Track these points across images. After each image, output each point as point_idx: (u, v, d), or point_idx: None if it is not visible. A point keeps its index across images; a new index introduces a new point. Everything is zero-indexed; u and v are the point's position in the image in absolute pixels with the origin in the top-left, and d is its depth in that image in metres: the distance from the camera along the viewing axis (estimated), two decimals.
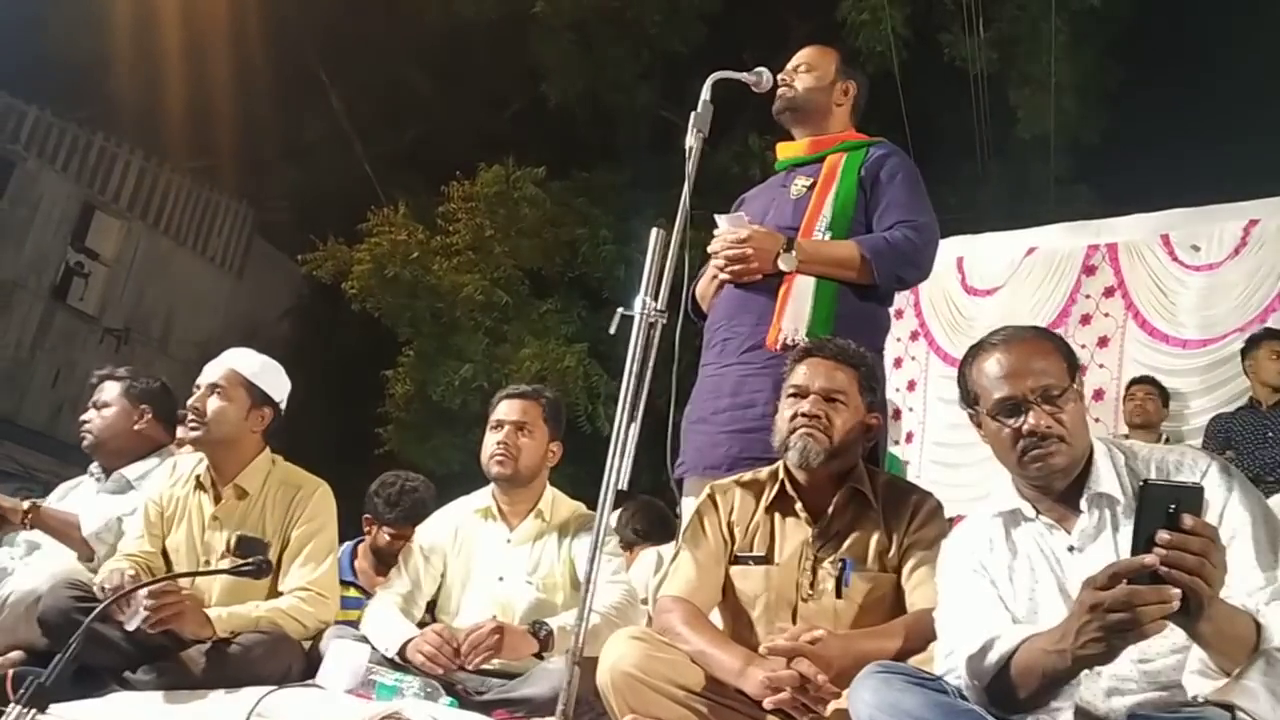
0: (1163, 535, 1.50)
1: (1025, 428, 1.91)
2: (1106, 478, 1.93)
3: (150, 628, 2.60)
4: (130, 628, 2.64)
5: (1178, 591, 1.49)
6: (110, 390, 3.57)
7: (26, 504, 3.26)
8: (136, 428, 3.54)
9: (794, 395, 2.48)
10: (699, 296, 3.20)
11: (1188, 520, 1.50)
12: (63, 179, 13.24)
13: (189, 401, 3.09)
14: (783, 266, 2.94)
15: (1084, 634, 1.58)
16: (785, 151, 3.32)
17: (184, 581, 2.99)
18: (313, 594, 2.94)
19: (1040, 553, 1.96)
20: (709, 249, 3.06)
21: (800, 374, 2.50)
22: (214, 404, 3.05)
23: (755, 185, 3.50)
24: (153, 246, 14.38)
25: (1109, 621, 1.54)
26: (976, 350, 2.06)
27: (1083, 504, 1.93)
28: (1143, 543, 1.52)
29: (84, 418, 3.55)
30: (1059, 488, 1.95)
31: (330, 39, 13.20)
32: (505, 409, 3.17)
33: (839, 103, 3.27)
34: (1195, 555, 1.49)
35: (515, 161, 11.16)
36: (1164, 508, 1.51)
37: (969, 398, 2.05)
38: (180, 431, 3.71)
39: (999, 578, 1.98)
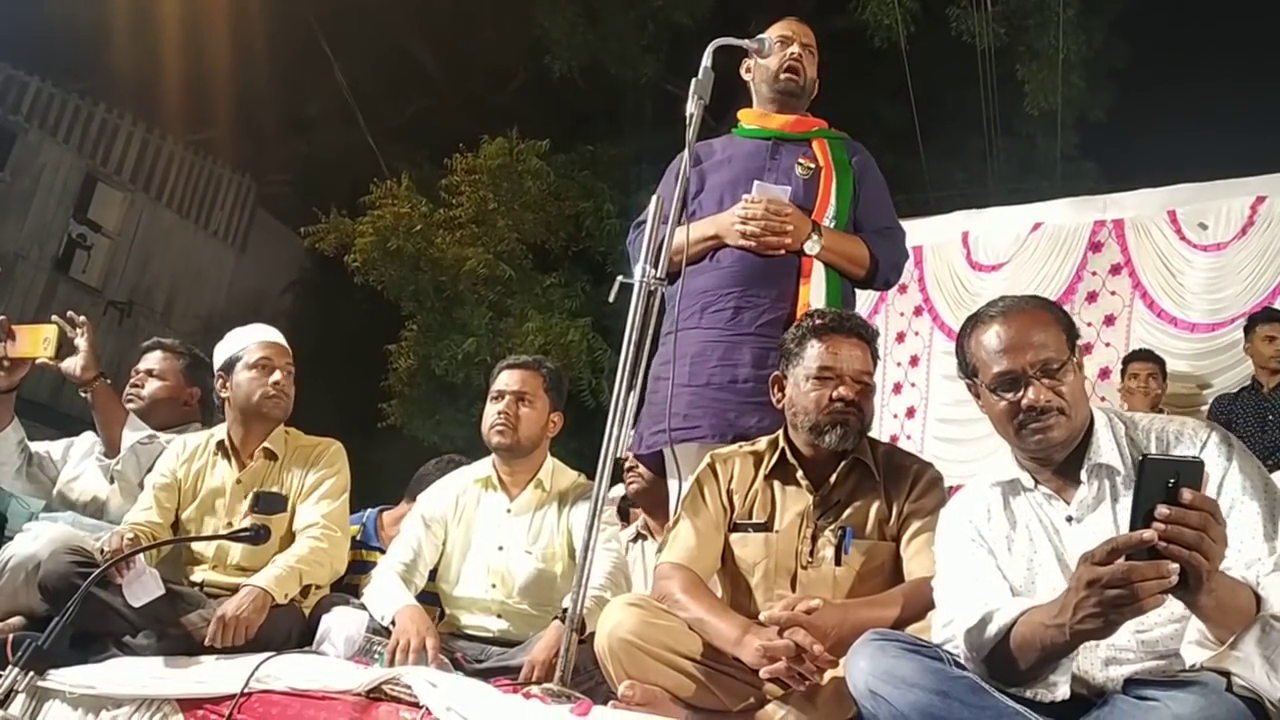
0: (1162, 510, 1.48)
1: (1024, 402, 1.90)
2: (1107, 448, 1.92)
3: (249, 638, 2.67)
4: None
5: (1176, 566, 1.48)
6: (167, 362, 3.64)
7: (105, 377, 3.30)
8: (186, 406, 3.64)
9: (827, 377, 2.45)
10: (674, 250, 2.96)
11: (1187, 494, 1.49)
12: (64, 151, 13.22)
13: (275, 380, 3.14)
14: (809, 250, 3.00)
15: (1082, 609, 1.57)
16: (763, 121, 3.28)
17: (200, 546, 3.05)
18: (323, 528, 2.99)
19: (1039, 523, 1.96)
20: (744, 212, 3.01)
21: (825, 353, 2.47)
22: (291, 386, 3.20)
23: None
24: (155, 219, 14.37)
25: (1107, 597, 1.53)
26: (975, 321, 2.04)
27: (1083, 475, 1.92)
28: (1141, 517, 1.51)
29: (135, 381, 3.60)
30: (1058, 459, 1.95)
31: (333, 10, 13.11)
32: (506, 379, 3.17)
33: (811, 95, 3.34)
34: (1194, 530, 1.48)
35: (519, 134, 11.10)
36: (1163, 482, 1.50)
37: (968, 369, 2.04)
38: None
39: (997, 547, 1.98)
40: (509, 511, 3.11)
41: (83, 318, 3.30)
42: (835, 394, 2.42)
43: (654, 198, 2.59)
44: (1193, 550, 1.48)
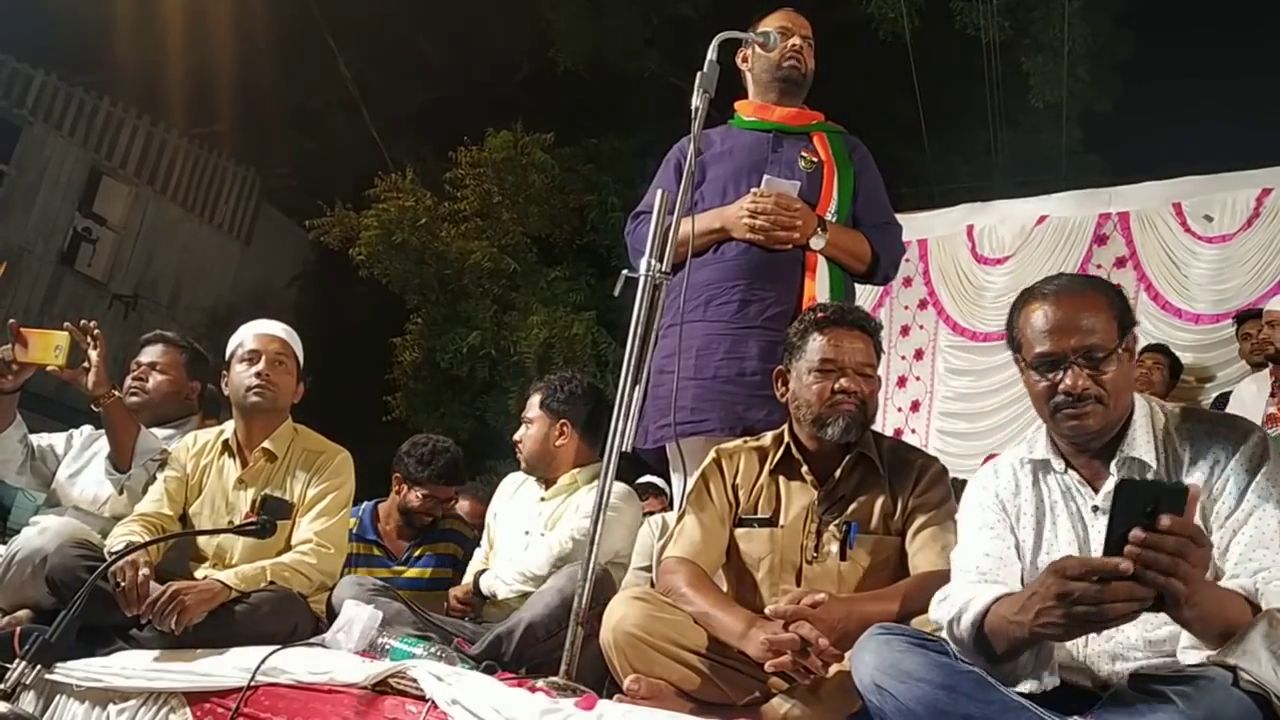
0: (1136, 534, 1.48)
1: (1062, 386, 1.88)
2: (1142, 441, 1.89)
3: (173, 630, 2.60)
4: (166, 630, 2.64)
5: (1152, 592, 1.48)
6: (169, 355, 3.62)
7: (116, 392, 3.25)
8: (187, 400, 3.64)
9: (829, 370, 2.44)
10: (678, 243, 2.91)
11: (1164, 520, 1.48)
12: (70, 144, 13.23)
13: (258, 370, 3.10)
14: (814, 245, 3.02)
15: (1045, 616, 1.59)
16: (763, 114, 3.27)
17: (203, 539, 3.05)
18: (316, 545, 2.97)
19: (1064, 507, 1.96)
20: (753, 206, 3.00)
21: (827, 345, 2.46)
22: (282, 376, 3.14)
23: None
24: (160, 212, 14.38)
25: (1075, 612, 1.55)
26: (1028, 296, 2.01)
27: (1113, 466, 1.90)
28: (1117, 540, 1.50)
29: (138, 375, 3.58)
30: (1094, 446, 1.93)
31: (337, 3, 13.09)
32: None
33: (808, 88, 3.34)
34: (1170, 555, 1.47)
35: (523, 127, 11.10)
36: (1142, 506, 1.49)
37: (1013, 343, 2.02)
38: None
39: (1019, 524, 1.99)
40: (542, 499, 3.29)
41: (96, 326, 3.21)
42: (837, 386, 2.42)
43: (659, 191, 2.59)
44: (1169, 576, 1.48)
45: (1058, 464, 1.98)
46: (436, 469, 3.79)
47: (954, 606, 1.83)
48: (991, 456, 2.29)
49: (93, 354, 3.16)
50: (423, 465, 3.80)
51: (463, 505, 4.42)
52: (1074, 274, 2.05)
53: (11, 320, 3.19)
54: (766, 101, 3.27)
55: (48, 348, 3.11)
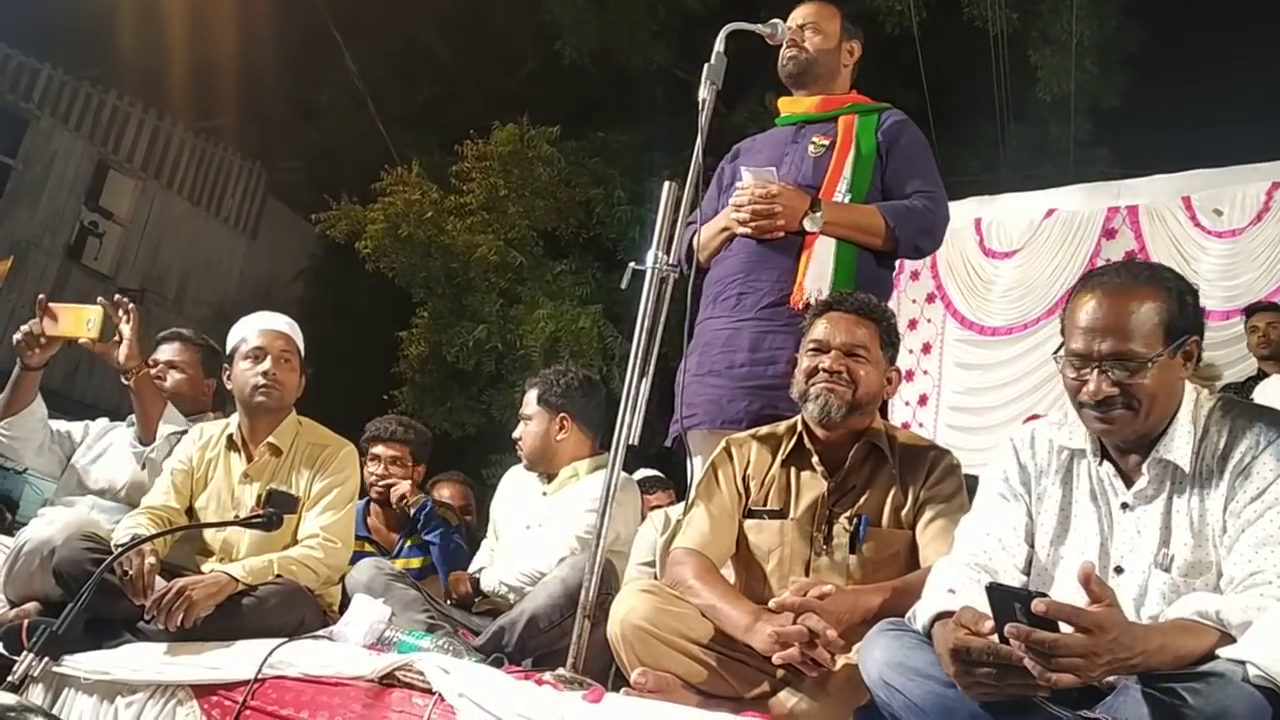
0: (1009, 629, 1.54)
1: (1086, 390, 1.83)
2: (1180, 443, 1.85)
3: (181, 626, 2.59)
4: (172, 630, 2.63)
5: (1052, 677, 1.52)
6: (186, 354, 3.65)
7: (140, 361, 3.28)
8: (202, 397, 3.67)
9: (815, 350, 2.46)
10: (698, 247, 3.06)
11: (1021, 628, 1.53)
12: (76, 138, 13.26)
13: (264, 369, 3.07)
14: (809, 227, 2.95)
15: (954, 675, 1.64)
16: (792, 107, 3.26)
17: (210, 534, 3.04)
18: (322, 539, 2.96)
19: (1092, 500, 1.94)
20: (734, 200, 3.02)
21: (821, 328, 2.48)
22: (288, 375, 3.13)
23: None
24: (166, 206, 14.41)
25: (975, 691, 1.62)
26: (1083, 282, 1.93)
27: (1144, 468, 1.87)
28: (1001, 635, 1.58)
29: (156, 374, 3.58)
30: (1128, 447, 1.89)
31: None
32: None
33: (845, 63, 3.25)
34: (1045, 653, 1.52)
35: (529, 121, 11.09)
36: (1011, 607, 1.56)
37: (1061, 326, 1.95)
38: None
39: (1042, 504, 1.98)
40: (545, 494, 3.31)
41: (131, 304, 3.25)
42: (818, 364, 2.42)
43: (665, 184, 2.58)
44: (1057, 668, 1.52)
45: (1094, 455, 1.95)
46: (376, 429, 3.97)
47: (918, 605, 1.87)
48: (1035, 417, 2.24)
49: (125, 328, 3.21)
50: (366, 434, 3.96)
51: (443, 490, 4.44)
52: (1140, 265, 1.95)
53: (40, 294, 3.21)
54: (796, 95, 3.25)
55: (80, 321, 3.14)
